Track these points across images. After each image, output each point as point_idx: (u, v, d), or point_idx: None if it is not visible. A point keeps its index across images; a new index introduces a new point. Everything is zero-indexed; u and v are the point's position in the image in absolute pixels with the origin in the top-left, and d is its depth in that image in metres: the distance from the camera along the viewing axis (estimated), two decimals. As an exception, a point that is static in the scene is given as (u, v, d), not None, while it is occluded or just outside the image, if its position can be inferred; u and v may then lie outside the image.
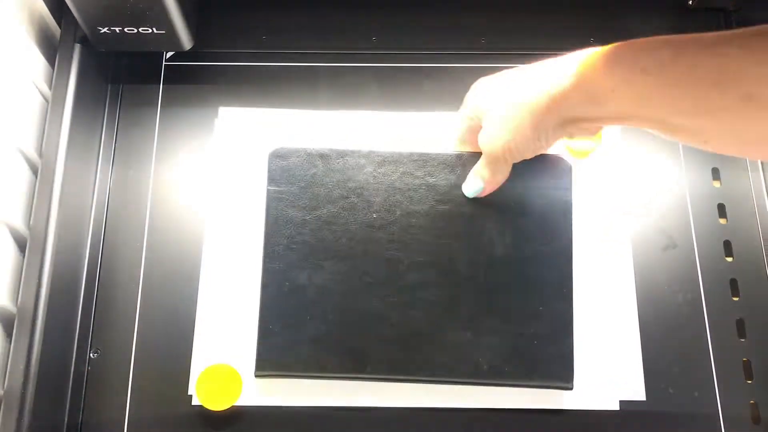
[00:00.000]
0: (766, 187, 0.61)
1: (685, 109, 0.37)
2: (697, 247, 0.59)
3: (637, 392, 0.55)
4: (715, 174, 0.61)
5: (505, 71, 0.48)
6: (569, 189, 0.54)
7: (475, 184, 0.52)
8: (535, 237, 0.53)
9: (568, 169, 0.55)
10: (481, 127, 0.49)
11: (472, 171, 0.53)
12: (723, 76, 0.35)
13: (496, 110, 0.46)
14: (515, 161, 0.48)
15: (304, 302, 0.52)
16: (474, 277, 0.53)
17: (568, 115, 0.42)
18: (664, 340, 0.56)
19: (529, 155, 0.47)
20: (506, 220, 0.54)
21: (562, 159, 0.55)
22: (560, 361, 0.52)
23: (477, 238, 0.53)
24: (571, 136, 0.44)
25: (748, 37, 0.35)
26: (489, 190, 0.52)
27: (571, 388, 0.52)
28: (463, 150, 0.55)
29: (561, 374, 0.52)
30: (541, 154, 0.51)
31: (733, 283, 0.58)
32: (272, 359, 0.52)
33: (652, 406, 0.54)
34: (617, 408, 0.54)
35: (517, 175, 0.51)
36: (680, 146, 0.62)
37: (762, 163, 0.61)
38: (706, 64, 0.36)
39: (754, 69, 0.34)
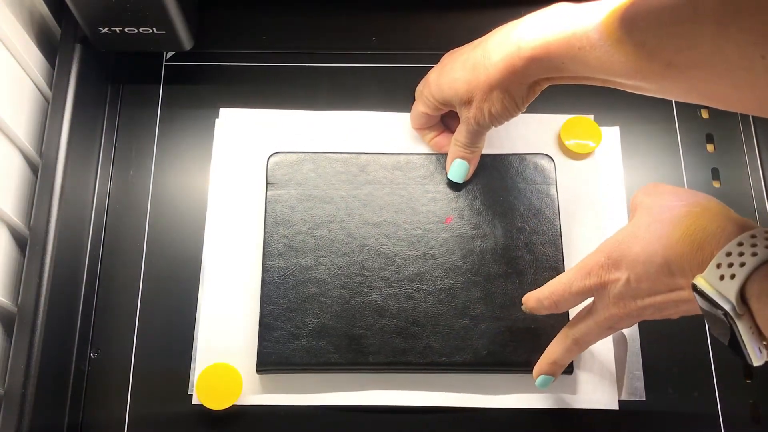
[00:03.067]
0: (765, 187, 0.61)
1: (624, 74, 0.44)
2: (696, 247, 0.59)
3: (637, 392, 0.55)
4: (715, 174, 0.61)
5: (465, 50, 0.53)
6: (553, 183, 0.58)
7: (461, 165, 0.57)
8: (525, 228, 0.56)
9: (551, 165, 0.59)
10: (440, 109, 0.56)
11: (451, 155, 0.57)
12: (647, 49, 0.41)
13: (472, 91, 0.51)
14: (498, 126, 0.53)
15: (304, 298, 0.54)
16: (469, 268, 0.55)
17: (531, 80, 0.49)
18: (664, 340, 0.56)
19: (510, 119, 0.52)
20: (496, 214, 0.57)
21: (545, 155, 0.59)
22: None
23: (469, 232, 0.56)
24: (536, 93, 0.51)
25: (659, 11, 0.40)
26: (473, 166, 0.57)
27: (571, 372, 0.53)
28: (419, 131, 0.60)
29: None
30: (525, 154, 0.59)
31: (733, 283, 0.58)
32: (273, 354, 0.52)
33: (652, 406, 0.54)
34: (617, 408, 0.54)
35: (504, 172, 0.58)
36: (680, 146, 0.62)
37: (762, 163, 0.61)
38: (634, 40, 0.42)
39: (670, 41, 0.40)
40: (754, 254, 0.36)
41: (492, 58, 0.49)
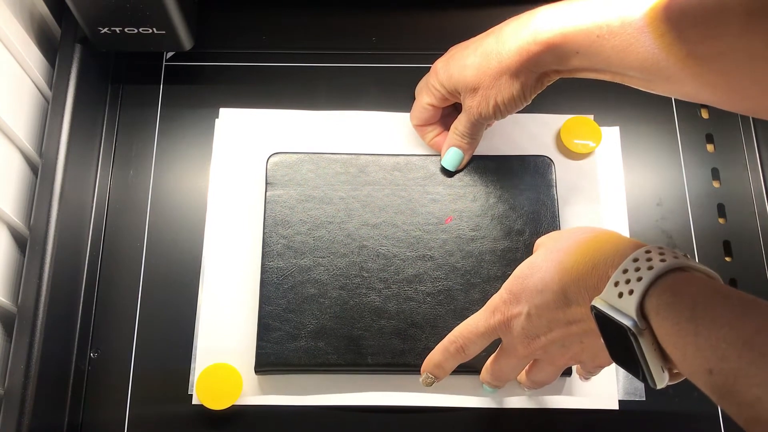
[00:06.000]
0: (765, 187, 0.61)
1: (638, 66, 0.44)
2: (696, 247, 0.59)
3: (637, 392, 0.55)
4: (715, 174, 0.61)
5: (476, 39, 0.53)
6: (553, 184, 0.58)
7: (456, 153, 0.57)
8: (524, 230, 0.56)
9: (550, 166, 0.58)
10: (446, 99, 0.56)
11: (447, 142, 0.57)
12: (668, 39, 0.41)
13: (481, 77, 0.51)
14: (499, 118, 0.53)
15: (303, 298, 0.54)
16: (468, 270, 0.55)
17: (542, 70, 0.49)
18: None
19: (514, 111, 0.52)
20: (496, 215, 0.56)
21: (544, 157, 0.58)
22: None
23: (469, 233, 0.56)
24: (544, 85, 0.51)
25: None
26: (468, 156, 0.57)
27: (570, 374, 0.53)
28: (417, 126, 0.59)
29: None
30: (525, 155, 0.59)
31: (733, 283, 0.58)
32: (272, 355, 0.52)
33: (652, 406, 0.54)
34: (617, 408, 0.54)
35: (503, 173, 0.58)
36: (680, 146, 0.62)
37: (762, 163, 0.61)
38: (656, 29, 0.41)
39: (694, 30, 0.40)
40: (650, 268, 0.36)
41: (507, 44, 0.49)
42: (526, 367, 0.50)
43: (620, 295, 0.36)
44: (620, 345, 0.37)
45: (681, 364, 0.35)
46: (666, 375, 0.37)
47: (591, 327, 0.40)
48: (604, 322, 0.38)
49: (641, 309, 0.36)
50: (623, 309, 0.36)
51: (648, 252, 0.37)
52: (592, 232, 0.43)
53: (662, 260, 0.36)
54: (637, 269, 0.36)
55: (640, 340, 0.36)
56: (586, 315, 0.40)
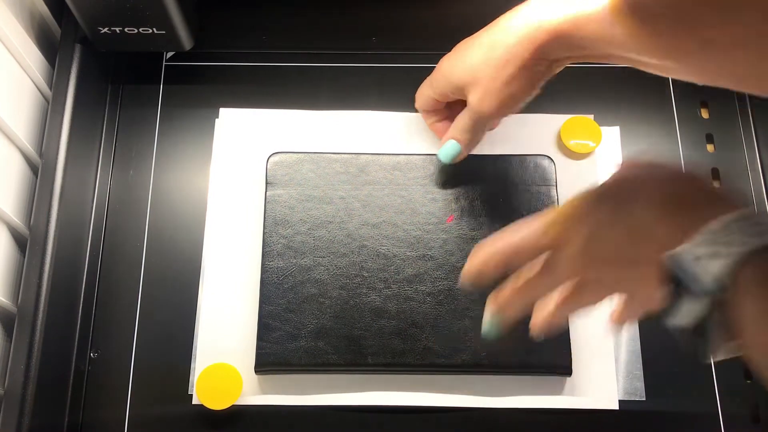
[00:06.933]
0: (765, 187, 0.61)
1: (651, 52, 0.42)
2: (696, 247, 0.59)
3: (637, 392, 0.55)
4: (715, 174, 0.61)
5: (481, 32, 0.52)
6: (553, 184, 0.58)
7: (453, 147, 0.55)
8: None
9: (551, 166, 0.58)
10: (449, 96, 0.54)
11: (447, 135, 0.56)
12: (683, 24, 0.39)
13: (487, 69, 0.49)
14: (501, 116, 0.52)
15: (303, 298, 0.54)
16: None
17: (550, 57, 0.48)
18: (664, 339, 0.56)
19: (521, 102, 0.51)
20: (496, 215, 0.56)
21: (545, 157, 0.58)
22: (558, 347, 0.53)
23: (469, 233, 0.56)
24: (554, 71, 0.49)
25: None
26: (465, 152, 0.55)
27: (570, 374, 0.53)
28: (426, 119, 0.59)
29: (559, 360, 0.53)
30: (525, 155, 0.58)
31: (733, 283, 0.58)
32: (272, 355, 0.52)
33: (652, 406, 0.54)
34: (617, 408, 0.54)
35: (504, 173, 0.58)
36: (680, 146, 0.62)
37: (762, 163, 0.61)
38: (668, 14, 0.39)
39: (710, 14, 0.37)
40: (752, 236, 0.31)
41: (513, 34, 0.48)
42: (555, 298, 0.44)
43: (710, 255, 0.32)
44: (685, 306, 0.33)
45: (754, 340, 0.31)
46: (722, 351, 0.33)
47: (657, 271, 0.34)
48: (676, 276, 0.33)
49: (727, 277, 0.31)
50: (705, 271, 0.31)
51: (753, 218, 0.32)
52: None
53: (764, 231, 0.31)
54: (735, 234, 0.31)
55: (713, 310, 0.32)
56: (659, 256, 0.34)
